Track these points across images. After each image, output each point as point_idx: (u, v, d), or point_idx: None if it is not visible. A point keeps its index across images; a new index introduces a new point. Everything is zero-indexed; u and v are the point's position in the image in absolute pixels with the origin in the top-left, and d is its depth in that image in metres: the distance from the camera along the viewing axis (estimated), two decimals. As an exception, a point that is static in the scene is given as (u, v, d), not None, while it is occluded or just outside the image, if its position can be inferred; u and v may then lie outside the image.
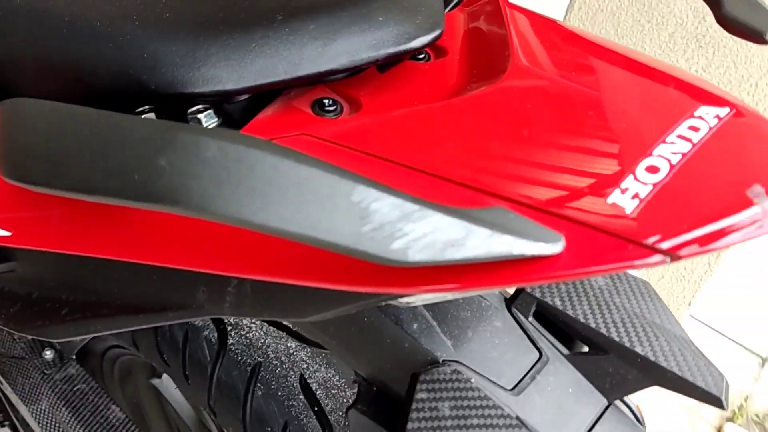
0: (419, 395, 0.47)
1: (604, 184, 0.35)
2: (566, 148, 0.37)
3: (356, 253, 0.29)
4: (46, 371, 1.03)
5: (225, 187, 0.29)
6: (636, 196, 0.34)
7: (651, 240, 0.32)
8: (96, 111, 0.33)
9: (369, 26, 0.43)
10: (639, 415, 0.67)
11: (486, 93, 0.41)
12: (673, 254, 0.31)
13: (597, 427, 0.51)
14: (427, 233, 0.30)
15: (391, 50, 0.43)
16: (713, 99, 0.40)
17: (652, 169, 0.35)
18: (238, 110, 0.46)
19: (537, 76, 0.43)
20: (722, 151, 0.36)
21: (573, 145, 0.37)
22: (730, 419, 1.83)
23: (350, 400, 0.75)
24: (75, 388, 1.01)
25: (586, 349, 0.56)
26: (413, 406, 0.46)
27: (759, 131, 0.39)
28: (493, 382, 0.51)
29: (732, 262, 1.92)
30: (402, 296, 0.37)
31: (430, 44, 0.44)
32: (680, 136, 0.37)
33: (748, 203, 0.32)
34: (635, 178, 0.35)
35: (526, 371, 0.52)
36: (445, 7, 0.55)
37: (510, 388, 0.51)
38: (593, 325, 0.53)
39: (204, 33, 0.42)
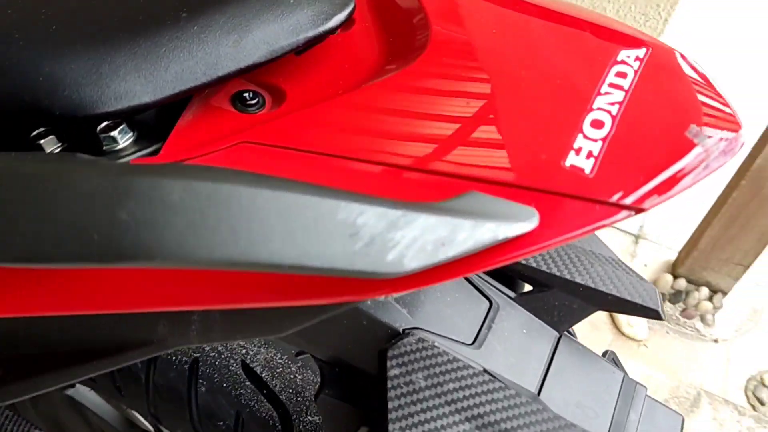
0: (392, 372, 0.47)
1: (558, 147, 0.35)
2: (510, 116, 0.38)
3: (354, 274, 0.28)
4: (-50, 412, 0.95)
5: (202, 230, 0.27)
6: (590, 154, 0.35)
7: (615, 198, 0.33)
8: (29, 162, 0.29)
9: (282, 11, 0.40)
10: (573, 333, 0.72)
11: (414, 69, 0.40)
12: (637, 208, 0.33)
13: (555, 359, 0.54)
14: (417, 237, 0.29)
15: (311, 33, 0.41)
16: (628, 41, 0.41)
17: (597, 124, 0.36)
18: (152, 118, 0.42)
19: (460, 43, 0.42)
20: (652, 94, 0.38)
21: (515, 112, 0.38)
22: (617, 298, 2.01)
23: (296, 375, 0.75)
24: (-13, 422, 0.94)
25: (530, 288, 0.58)
26: (389, 385, 0.47)
27: (674, 67, 0.41)
28: (454, 340, 0.52)
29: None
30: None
31: (348, 20, 0.42)
32: (611, 85, 0.38)
33: (690, 145, 0.34)
34: (584, 136, 0.36)
35: (481, 322, 0.54)
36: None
37: (470, 342, 0.52)
38: (534, 264, 0.56)
39: (104, 44, 0.38)
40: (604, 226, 0.33)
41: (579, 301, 0.55)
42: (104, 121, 0.39)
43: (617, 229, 2.22)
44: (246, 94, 0.43)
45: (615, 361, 0.65)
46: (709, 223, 1.83)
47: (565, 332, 0.56)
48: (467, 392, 0.47)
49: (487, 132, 0.37)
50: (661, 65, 0.40)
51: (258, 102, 0.43)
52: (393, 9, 0.48)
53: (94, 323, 0.39)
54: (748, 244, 1.80)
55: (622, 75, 0.39)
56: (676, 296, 1.98)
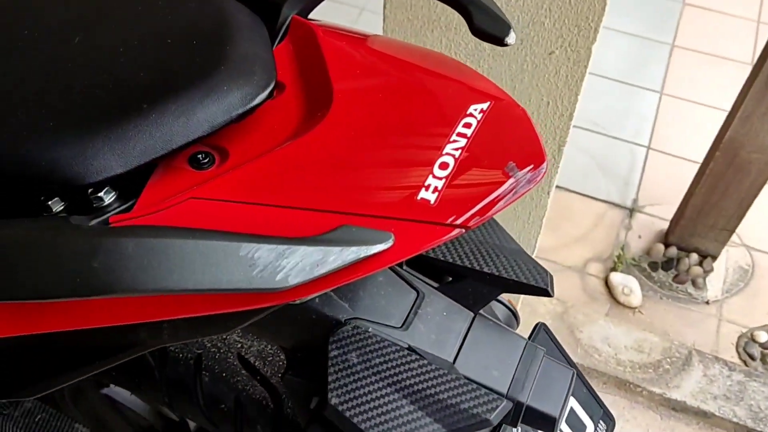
0: (331, 354, 0.61)
1: (414, 185, 0.49)
2: (384, 162, 0.51)
3: (253, 291, 0.42)
4: (4, 411, 1.12)
5: (148, 271, 0.41)
6: (435, 189, 0.48)
7: (449, 220, 0.46)
8: (32, 231, 0.44)
9: (218, 96, 0.54)
10: (512, 307, 0.85)
11: (320, 130, 0.54)
12: (465, 226, 0.46)
13: (470, 334, 0.67)
14: (298, 262, 0.43)
15: (240, 110, 0.54)
16: (479, 96, 0.54)
17: (444, 166, 0.49)
18: (129, 179, 0.56)
19: (354, 106, 0.55)
20: (487, 140, 0.51)
21: (388, 159, 0.51)
22: (613, 269, 2.12)
23: (284, 362, 0.89)
24: (36, 419, 1.11)
25: (450, 278, 0.72)
26: (329, 363, 0.61)
27: (507, 115, 0.53)
28: (386, 325, 0.66)
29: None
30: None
31: (269, 97, 0.56)
32: (459, 134, 0.51)
33: (506, 177, 0.48)
34: (433, 176, 0.49)
35: (409, 309, 0.67)
36: (273, 43, 0.66)
37: (400, 325, 0.66)
38: (450, 260, 0.69)
39: (87, 132, 0.52)
40: (443, 241, 0.46)
41: (487, 286, 0.69)
42: (91, 188, 0.54)
43: (612, 203, 2.32)
44: (199, 155, 0.57)
45: (545, 331, 0.79)
46: (692, 193, 1.93)
47: (479, 312, 0.70)
48: (391, 364, 0.61)
49: (369, 178, 0.51)
50: (498, 116, 0.53)
51: (209, 160, 0.57)
52: (310, 74, 0.61)
53: (94, 333, 0.54)
54: (731, 210, 1.89)
55: (467, 125, 0.52)
56: (668, 263, 2.09)
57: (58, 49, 0.59)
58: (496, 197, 0.46)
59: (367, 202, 0.48)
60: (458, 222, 0.46)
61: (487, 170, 0.48)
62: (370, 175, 0.50)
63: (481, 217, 0.46)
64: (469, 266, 0.69)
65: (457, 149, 0.50)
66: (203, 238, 0.42)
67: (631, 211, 2.31)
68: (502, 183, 0.47)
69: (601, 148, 2.45)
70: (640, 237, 2.22)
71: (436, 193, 0.48)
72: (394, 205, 0.48)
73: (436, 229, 0.46)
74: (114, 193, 0.55)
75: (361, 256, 0.44)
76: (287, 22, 0.68)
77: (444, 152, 0.50)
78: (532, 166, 0.48)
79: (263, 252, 0.42)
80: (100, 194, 0.54)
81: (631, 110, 2.59)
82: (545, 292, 0.68)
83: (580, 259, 2.17)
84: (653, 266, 2.10)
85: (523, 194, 0.47)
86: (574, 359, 1.83)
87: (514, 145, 0.50)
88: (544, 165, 0.48)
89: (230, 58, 0.57)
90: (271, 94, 0.56)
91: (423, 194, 0.48)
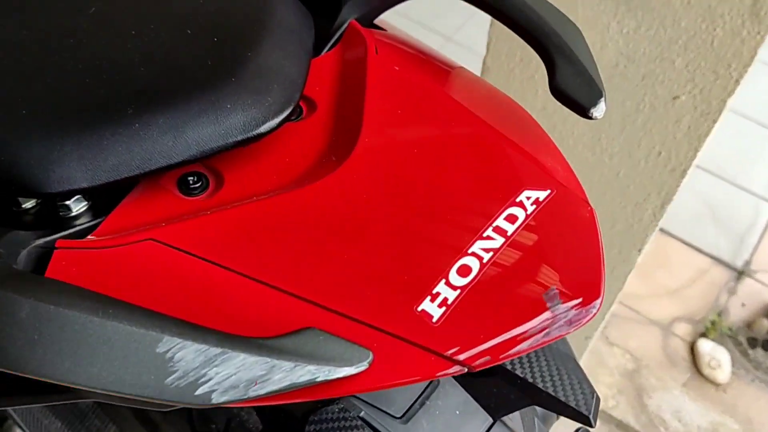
0: (306, 438, 0.51)
1: (418, 289, 0.37)
2: (391, 248, 0.39)
3: (163, 401, 0.32)
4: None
5: (35, 350, 0.31)
6: (444, 302, 0.36)
7: (449, 352, 0.34)
8: None
9: (217, 116, 0.43)
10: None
11: (327, 183, 0.42)
12: (469, 366, 0.34)
13: (481, 445, 0.55)
14: (231, 374, 0.32)
15: (239, 138, 0.44)
16: (540, 178, 0.41)
17: (464, 271, 0.37)
18: (104, 191, 0.47)
19: (379, 157, 0.43)
20: (530, 245, 0.38)
21: (397, 245, 0.39)
22: (704, 334, 1.90)
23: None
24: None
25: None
26: (300, 450, 0.50)
27: (567, 218, 0.40)
28: (384, 412, 0.54)
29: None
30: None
31: (280, 125, 0.45)
32: (496, 229, 0.38)
33: (541, 309, 0.34)
34: (446, 283, 0.37)
35: (416, 397, 0.56)
36: (321, 50, 0.55)
37: (399, 416, 0.55)
38: (480, 349, 0.57)
39: (57, 132, 0.43)
40: (435, 377, 0.34)
41: (517, 391, 0.55)
42: (51, 198, 0.45)
43: (719, 261, 2.08)
44: (190, 178, 0.47)
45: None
46: (815, 273, 1.68)
47: (500, 419, 0.57)
48: (371, 471, 0.50)
49: (365, 264, 0.39)
50: (556, 213, 0.40)
51: (201, 185, 0.47)
52: (346, 102, 0.50)
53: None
54: None
55: (511, 219, 0.39)
56: (770, 343, 1.85)
57: (67, 17, 0.51)
58: (520, 335, 0.34)
59: (351, 299, 0.37)
60: (460, 357, 0.34)
61: (519, 292, 0.36)
62: (367, 261, 0.39)
63: (491, 358, 0.33)
64: (501, 363, 0.56)
65: (488, 250, 0.38)
66: (115, 319, 0.32)
67: (740, 273, 2.05)
68: (533, 316, 0.34)
69: (720, 195, 2.19)
70: (743, 305, 1.97)
71: (443, 308, 0.36)
72: (386, 311, 0.36)
73: (429, 359, 0.34)
74: (85, 203, 0.47)
75: (319, 379, 0.33)
76: (344, 27, 0.57)
77: (469, 251, 0.38)
78: (580, 301, 0.35)
79: (188, 353, 0.32)
80: (68, 202, 0.46)
81: (767, 159, 2.31)
82: (585, 420, 0.54)
83: (668, 315, 1.95)
84: (752, 342, 1.86)
85: (557, 338, 0.34)
86: (636, 427, 1.65)
87: (567, 262, 0.37)
88: (597, 302, 0.35)
89: (247, 67, 0.46)
90: (284, 122, 0.45)
91: (426, 305, 0.36)
